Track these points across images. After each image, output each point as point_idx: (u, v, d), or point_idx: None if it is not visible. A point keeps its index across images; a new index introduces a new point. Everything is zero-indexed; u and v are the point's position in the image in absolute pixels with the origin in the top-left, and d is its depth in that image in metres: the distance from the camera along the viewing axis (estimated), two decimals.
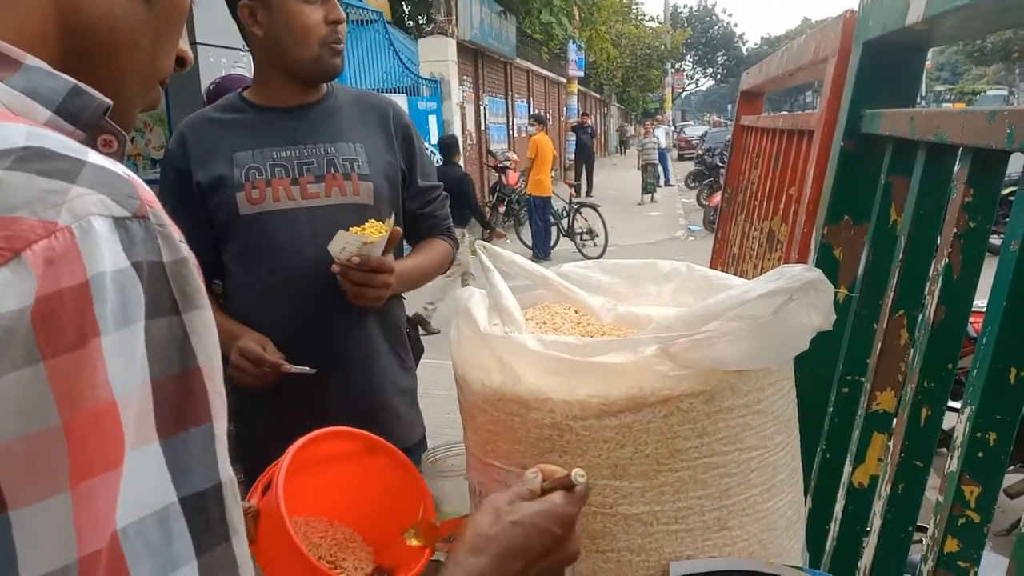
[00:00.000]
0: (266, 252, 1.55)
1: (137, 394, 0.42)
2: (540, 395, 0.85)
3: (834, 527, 1.23)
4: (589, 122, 20.23)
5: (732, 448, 0.84)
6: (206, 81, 2.78)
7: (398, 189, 1.67)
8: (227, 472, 0.46)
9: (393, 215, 1.55)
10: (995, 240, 1.00)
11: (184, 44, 0.65)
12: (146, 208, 0.45)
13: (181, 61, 0.65)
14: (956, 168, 0.99)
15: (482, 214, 8.20)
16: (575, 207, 11.03)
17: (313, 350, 1.53)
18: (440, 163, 7.45)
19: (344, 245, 1.44)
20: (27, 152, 0.43)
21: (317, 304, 1.55)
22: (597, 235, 10.59)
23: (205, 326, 0.46)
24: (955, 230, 0.95)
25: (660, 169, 17.81)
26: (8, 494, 0.38)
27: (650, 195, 16.79)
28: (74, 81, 0.52)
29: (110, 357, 0.41)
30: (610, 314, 1.02)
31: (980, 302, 0.95)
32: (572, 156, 18.40)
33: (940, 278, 0.97)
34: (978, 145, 0.89)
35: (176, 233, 0.47)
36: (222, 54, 3.90)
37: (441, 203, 1.78)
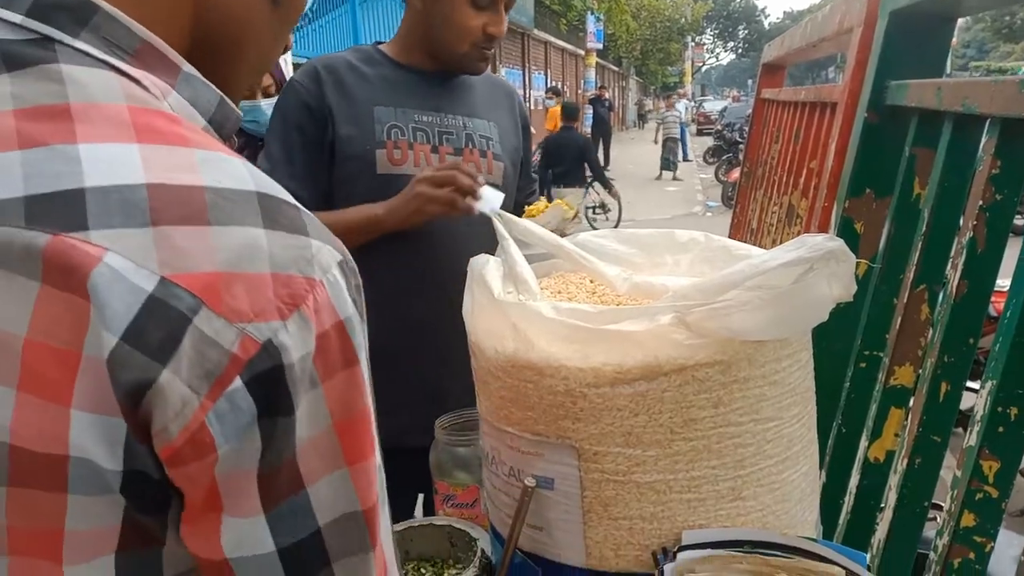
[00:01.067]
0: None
1: (371, 400, 0.54)
2: (554, 362, 0.85)
3: (849, 501, 1.22)
4: (606, 95, 20.03)
5: (747, 419, 0.84)
6: None
7: (517, 176, 1.65)
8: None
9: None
10: (1019, 221, 0.98)
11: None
12: (344, 248, 0.54)
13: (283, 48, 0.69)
14: (984, 139, 0.97)
15: (604, 174, 8.90)
16: (588, 181, 10.96)
17: (437, 321, 1.47)
18: (561, 128, 7.88)
19: (550, 219, 1.40)
20: (264, 201, 0.51)
21: (447, 274, 1.44)
22: (610, 209, 10.52)
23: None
24: (981, 202, 0.94)
25: (680, 145, 17.59)
26: (305, 476, 0.51)
27: (671, 172, 16.54)
28: (220, 93, 0.58)
29: (365, 375, 0.53)
30: (626, 284, 1.01)
31: (1003, 281, 0.94)
32: (589, 129, 18.26)
33: (964, 251, 0.96)
34: (1008, 115, 0.87)
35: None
36: None
37: (535, 199, 1.76)
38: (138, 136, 0.49)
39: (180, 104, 0.54)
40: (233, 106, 0.59)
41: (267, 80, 2.34)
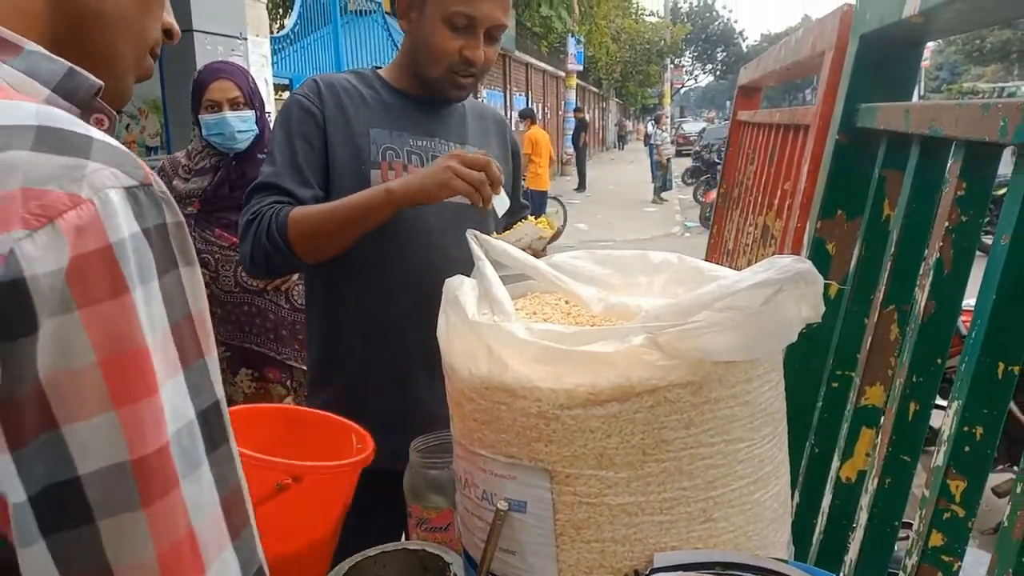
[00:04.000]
0: (393, 236, 1.48)
1: (162, 337, 0.51)
2: (527, 384, 0.85)
3: (821, 521, 1.23)
4: (581, 116, 20.15)
5: (719, 439, 0.84)
6: None
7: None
8: (220, 392, 0.56)
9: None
10: (987, 240, 1.00)
11: (169, 16, 0.69)
12: (149, 177, 0.53)
13: (168, 33, 0.69)
14: (949, 162, 0.99)
15: None
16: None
17: (427, 341, 1.47)
18: None
19: (522, 236, 1.40)
20: (42, 131, 0.50)
21: (439, 295, 1.47)
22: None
23: (198, 279, 0.56)
24: (947, 224, 0.95)
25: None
26: (57, 413, 0.48)
27: (660, 193, 16.43)
28: (69, 64, 0.59)
29: (141, 308, 0.50)
30: (600, 304, 1.01)
31: (970, 301, 0.95)
32: (570, 150, 18.35)
33: (931, 272, 0.97)
34: (971, 138, 0.89)
35: (172, 199, 0.55)
36: (219, 42, 3.86)
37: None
38: None
39: (12, 75, 0.56)
40: (88, 75, 0.60)
41: (234, 92, 2.30)
